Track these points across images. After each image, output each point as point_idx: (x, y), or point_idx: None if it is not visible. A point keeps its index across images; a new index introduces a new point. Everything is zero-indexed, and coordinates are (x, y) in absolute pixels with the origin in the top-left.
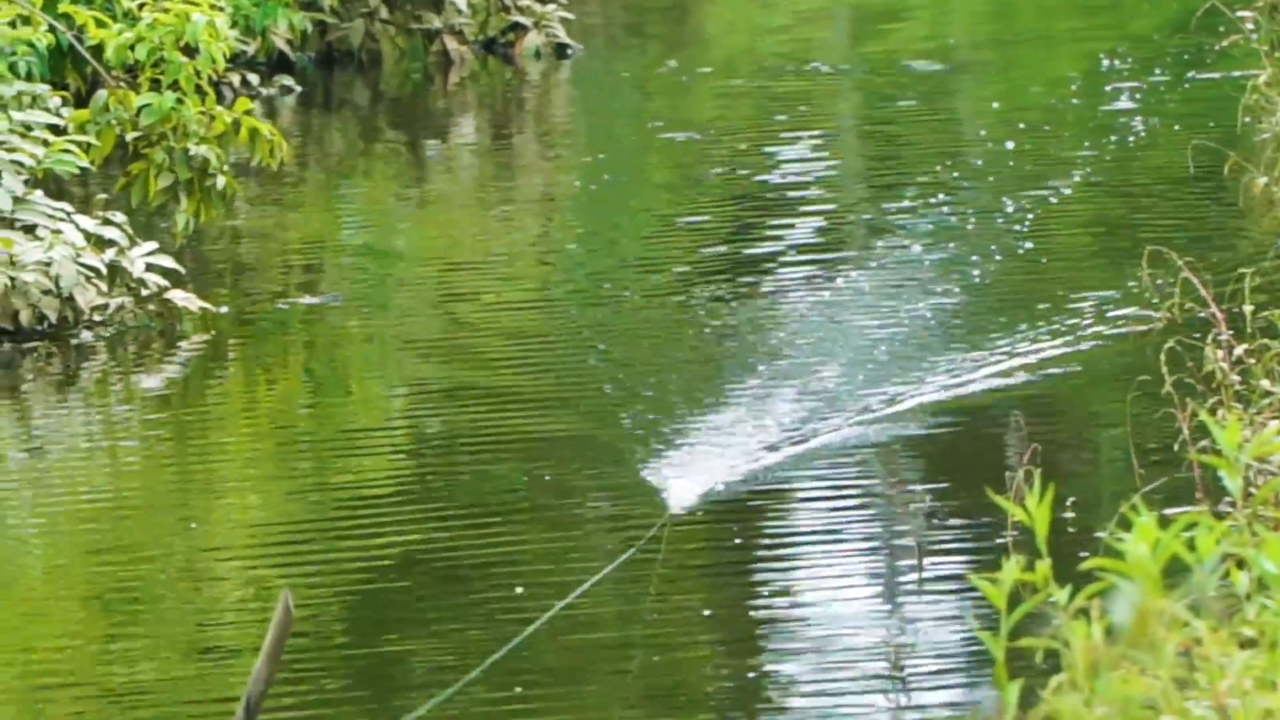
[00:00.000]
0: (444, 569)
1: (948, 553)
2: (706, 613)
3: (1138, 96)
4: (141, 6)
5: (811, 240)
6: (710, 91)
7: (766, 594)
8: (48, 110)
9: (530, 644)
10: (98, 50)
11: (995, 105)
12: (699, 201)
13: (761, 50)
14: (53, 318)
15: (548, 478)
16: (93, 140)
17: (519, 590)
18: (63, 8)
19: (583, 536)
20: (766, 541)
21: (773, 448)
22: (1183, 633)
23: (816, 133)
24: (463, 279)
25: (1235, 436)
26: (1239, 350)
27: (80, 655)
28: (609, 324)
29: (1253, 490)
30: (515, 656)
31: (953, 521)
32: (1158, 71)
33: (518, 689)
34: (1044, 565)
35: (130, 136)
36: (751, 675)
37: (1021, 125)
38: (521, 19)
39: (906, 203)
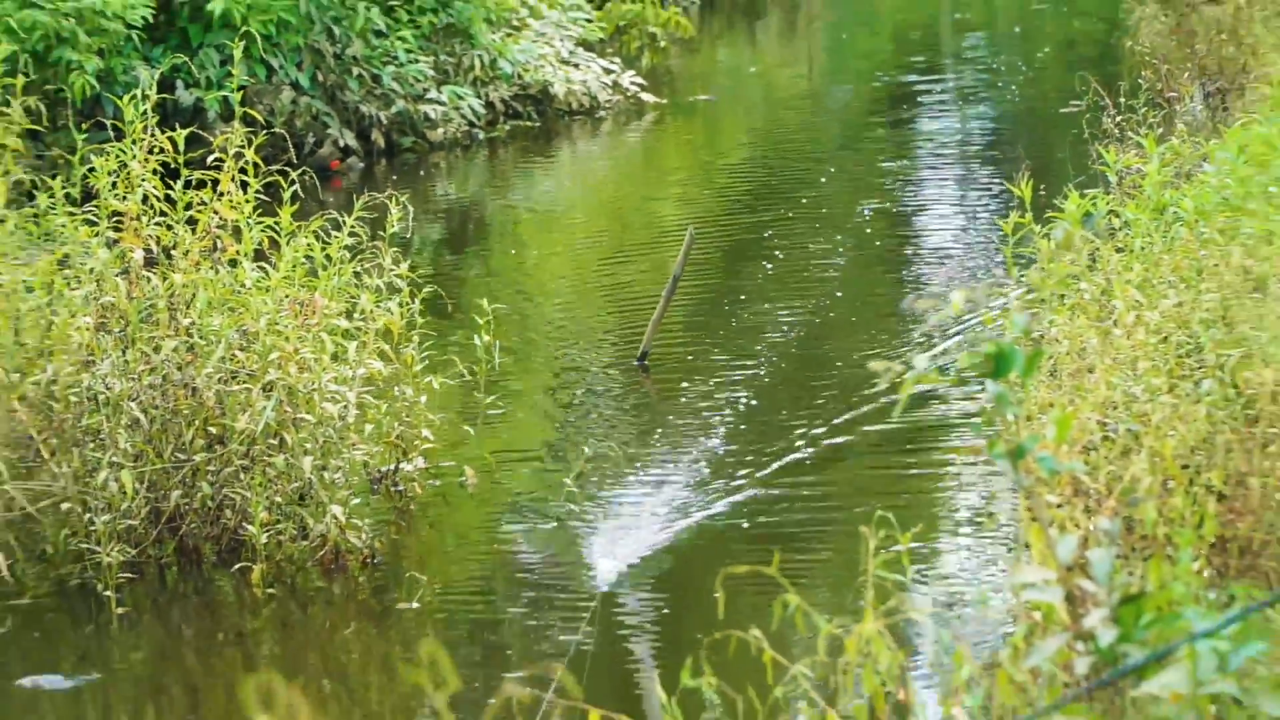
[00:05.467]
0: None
1: (991, 210)
2: None
3: None
4: None
5: None
6: None
7: None
8: (581, 8)
9: None
10: None
11: None
12: None
13: None
14: (586, 105)
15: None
16: (602, 25)
17: None
18: None
19: None
20: None
21: None
22: (1089, 245)
23: None
24: (785, 86)
25: (1113, 158)
26: (1119, 119)
27: (593, 269)
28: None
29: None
30: None
31: (990, 184)
32: None
33: None
34: (1029, 217)
35: (621, 24)
36: None
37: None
38: None
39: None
